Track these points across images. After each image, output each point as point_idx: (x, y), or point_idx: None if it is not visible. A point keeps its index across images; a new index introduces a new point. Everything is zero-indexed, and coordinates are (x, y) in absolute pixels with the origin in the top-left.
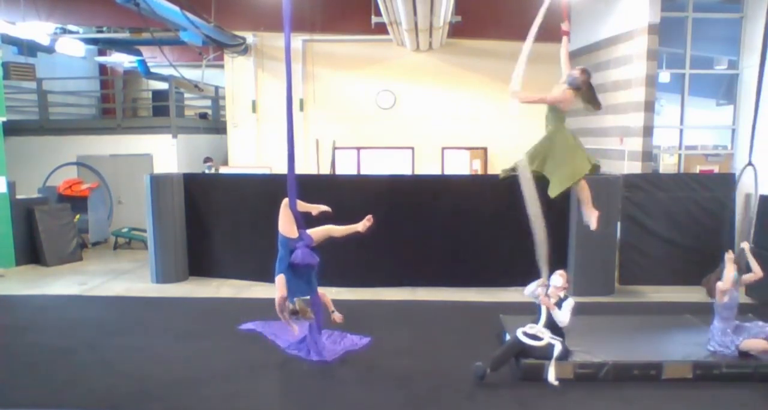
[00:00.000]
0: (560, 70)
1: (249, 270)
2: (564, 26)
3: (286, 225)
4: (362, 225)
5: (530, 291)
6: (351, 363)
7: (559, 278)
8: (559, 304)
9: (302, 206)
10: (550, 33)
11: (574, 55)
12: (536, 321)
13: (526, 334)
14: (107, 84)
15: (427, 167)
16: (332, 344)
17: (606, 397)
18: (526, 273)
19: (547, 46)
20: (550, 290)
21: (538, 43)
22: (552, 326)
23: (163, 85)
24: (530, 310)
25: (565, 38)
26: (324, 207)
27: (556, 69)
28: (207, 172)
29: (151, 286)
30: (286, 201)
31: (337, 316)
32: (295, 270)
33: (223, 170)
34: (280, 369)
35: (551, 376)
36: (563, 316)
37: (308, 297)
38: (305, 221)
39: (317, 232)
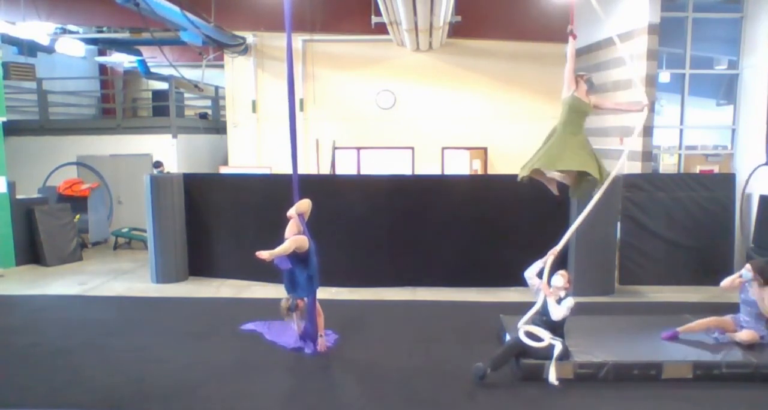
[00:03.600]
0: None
1: (249, 270)
2: (572, 28)
3: (288, 225)
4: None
5: (531, 273)
6: (351, 363)
7: (560, 278)
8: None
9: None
10: (556, 34)
11: (581, 52)
12: (542, 326)
13: (527, 335)
14: (107, 84)
15: (427, 167)
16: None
17: (606, 397)
18: None
19: (548, 46)
20: (551, 289)
21: (541, 42)
22: (551, 326)
23: (163, 85)
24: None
25: (571, 40)
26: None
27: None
28: None
29: (151, 286)
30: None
31: (321, 342)
32: (291, 271)
33: (223, 170)
34: (280, 369)
35: (551, 376)
36: (559, 311)
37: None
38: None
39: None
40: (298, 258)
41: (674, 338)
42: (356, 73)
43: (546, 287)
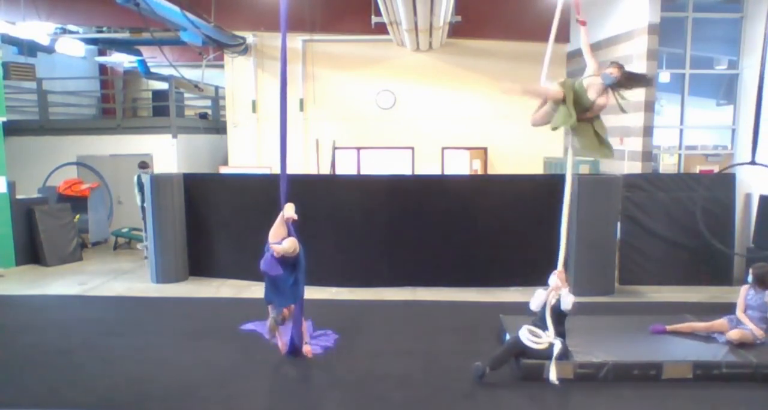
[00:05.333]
0: (559, 69)
1: (249, 271)
2: (580, 17)
3: (274, 227)
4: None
5: (537, 304)
6: (351, 362)
7: (554, 278)
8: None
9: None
10: (556, 34)
11: (573, 55)
12: (542, 326)
13: (529, 334)
14: (107, 84)
15: (427, 167)
16: (312, 340)
17: (606, 397)
18: (526, 273)
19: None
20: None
21: (541, 42)
22: (560, 319)
23: (163, 85)
24: (530, 310)
25: (583, 28)
26: (286, 215)
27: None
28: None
29: (151, 286)
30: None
31: (307, 349)
32: (275, 277)
33: (223, 170)
34: (280, 369)
35: (551, 376)
36: (567, 300)
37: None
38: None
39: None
40: (286, 262)
41: (661, 332)
42: (356, 73)
43: (558, 285)
